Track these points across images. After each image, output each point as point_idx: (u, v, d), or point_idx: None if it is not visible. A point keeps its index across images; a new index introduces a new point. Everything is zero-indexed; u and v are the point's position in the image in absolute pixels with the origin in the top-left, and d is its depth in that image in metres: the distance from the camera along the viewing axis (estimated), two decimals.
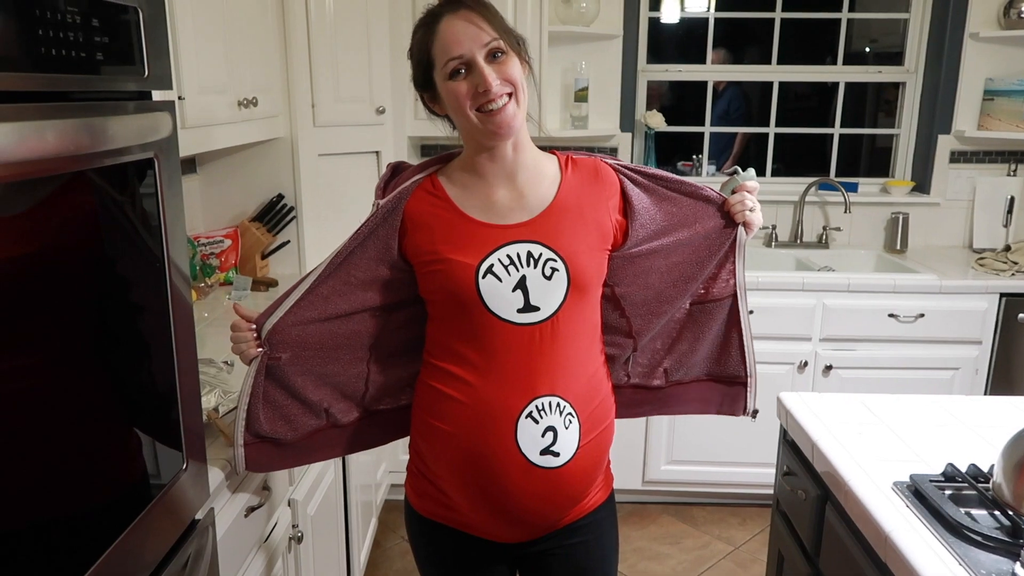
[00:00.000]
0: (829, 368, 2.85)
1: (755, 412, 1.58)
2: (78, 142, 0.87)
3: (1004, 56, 3.21)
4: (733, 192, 1.42)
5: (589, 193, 1.34)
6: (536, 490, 1.27)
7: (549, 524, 1.34)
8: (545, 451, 1.26)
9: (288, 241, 2.77)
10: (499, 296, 1.25)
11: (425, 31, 1.27)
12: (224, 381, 1.60)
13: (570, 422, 1.28)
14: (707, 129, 3.52)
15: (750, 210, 1.41)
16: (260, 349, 1.33)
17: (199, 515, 1.22)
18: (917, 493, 1.30)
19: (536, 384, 1.26)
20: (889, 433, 1.55)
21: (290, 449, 1.41)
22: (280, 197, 2.73)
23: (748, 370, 1.57)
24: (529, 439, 1.25)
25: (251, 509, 1.48)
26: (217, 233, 2.60)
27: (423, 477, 1.37)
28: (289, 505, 1.74)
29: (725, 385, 1.58)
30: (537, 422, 1.25)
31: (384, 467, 2.90)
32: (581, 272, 1.29)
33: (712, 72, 3.44)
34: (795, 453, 1.64)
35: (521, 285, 1.25)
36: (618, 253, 1.37)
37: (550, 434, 1.26)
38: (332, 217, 2.89)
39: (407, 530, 1.45)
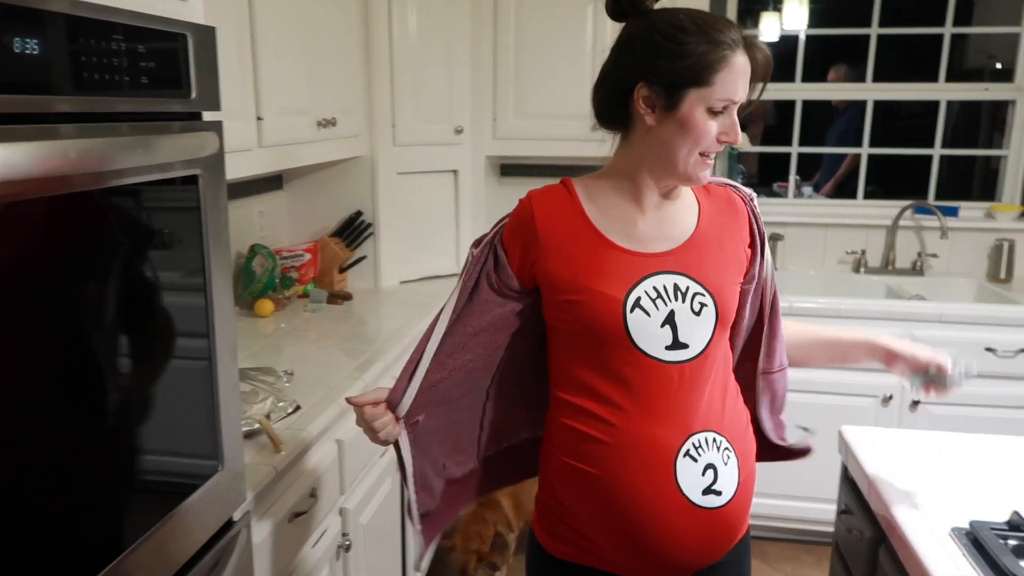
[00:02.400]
0: (916, 403, 2.68)
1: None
2: (127, 158, 0.94)
3: None
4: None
5: (727, 223, 1.28)
6: (699, 532, 1.19)
7: (702, 564, 1.25)
8: (707, 491, 1.18)
9: (364, 256, 2.86)
10: (647, 332, 1.17)
11: (719, 48, 1.13)
12: (279, 390, 1.67)
13: (728, 457, 1.21)
14: (795, 149, 3.40)
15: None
16: (400, 428, 1.26)
17: (235, 516, 1.27)
18: (976, 542, 1.20)
19: (691, 421, 1.18)
20: (956, 475, 1.45)
21: (434, 518, 1.38)
22: (359, 213, 2.83)
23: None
24: (690, 479, 1.17)
25: (295, 515, 1.52)
26: (298, 247, 2.71)
27: (560, 521, 1.27)
28: (340, 514, 1.79)
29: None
30: (696, 460, 1.18)
31: None
32: (728, 307, 1.23)
33: (802, 91, 3.33)
34: (853, 490, 1.56)
35: (670, 320, 1.18)
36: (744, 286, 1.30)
37: (711, 472, 1.18)
38: (408, 234, 2.97)
39: (530, 570, 1.36)
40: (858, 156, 3.44)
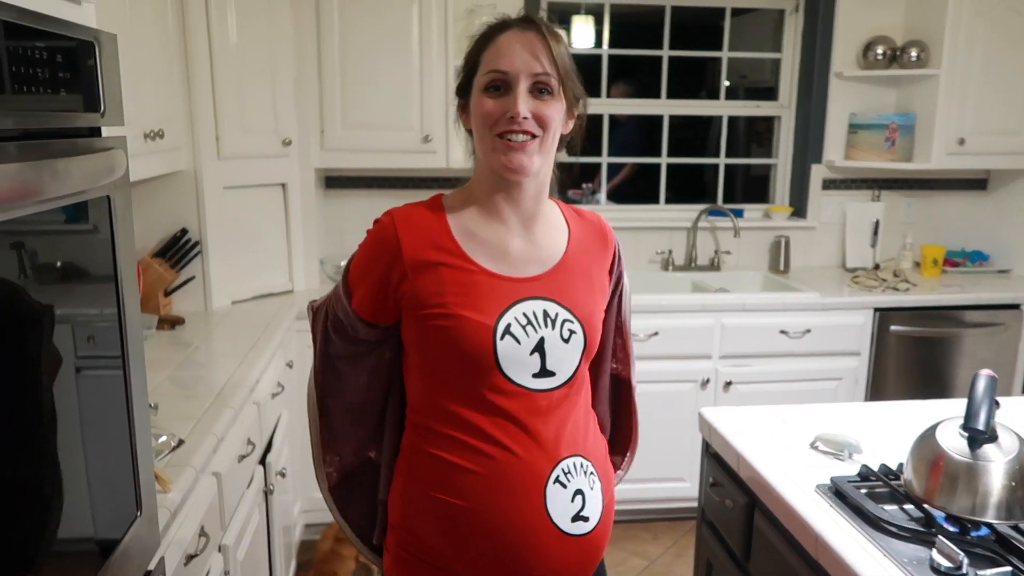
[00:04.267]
0: (729, 384, 3.02)
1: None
2: (39, 185, 0.84)
3: (864, 93, 3.54)
4: None
5: (595, 250, 1.30)
6: (569, 560, 1.18)
7: None
8: (576, 517, 1.17)
9: (193, 277, 2.68)
10: (516, 360, 1.14)
11: (484, 36, 1.18)
12: (154, 424, 1.54)
13: (594, 483, 1.21)
14: (604, 160, 3.68)
15: None
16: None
17: (151, 565, 1.17)
18: (838, 493, 1.41)
19: (559, 447, 1.17)
20: (803, 440, 1.67)
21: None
22: (184, 232, 2.64)
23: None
24: (559, 507, 1.16)
25: (190, 558, 1.42)
26: None
27: (419, 559, 1.20)
28: (220, 551, 1.68)
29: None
30: (565, 487, 1.16)
31: (299, 506, 2.83)
32: (595, 334, 1.23)
33: (609, 105, 3.61)
34: (720, 465, 1.74)
35: (539, 348, 1.15)
36: None
37: (579, 498, 1.17)
38: (237, 251, 2.82)
39: None
40: (635, 165, 3.83)
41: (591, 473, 1.21)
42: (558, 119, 1.18)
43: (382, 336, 1.24)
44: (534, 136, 1.15)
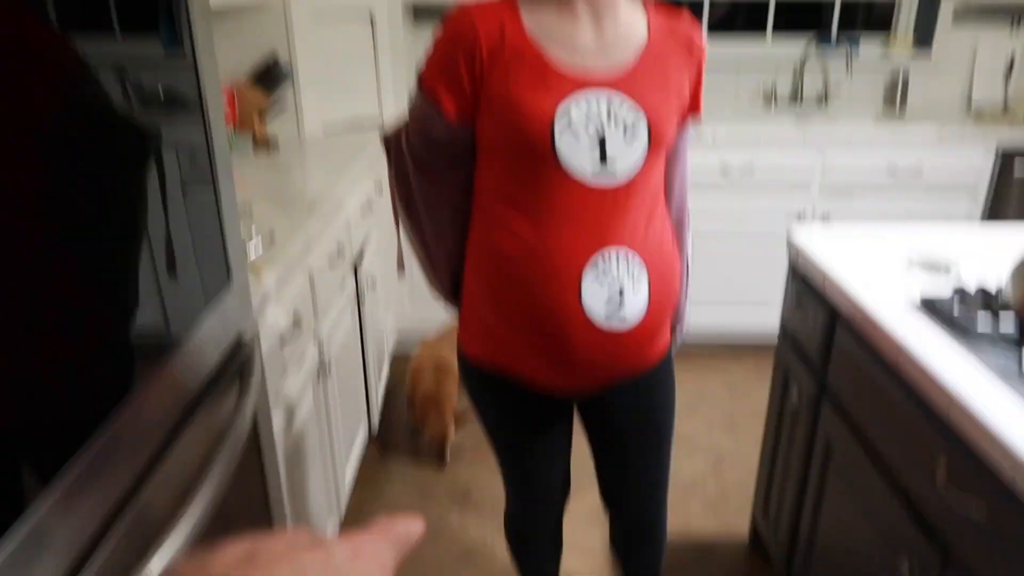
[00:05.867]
0: (826, 218, 2.90)
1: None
2: None
3: None
4: None
5: (676, 55, 1.24)
6: (602, 349, 1.21)
7: (614, 379, 1.30)
8: (612, 316, 1.19)
9: (286, 103, 2.72)
10: (574, 148, 1.14)
11: None
12: (247, 219, 1.61)
13: (640, 278, 1.20)
14: None
15: None
16: None
17: (245, 335, 1.25)
18: (928, 305, 1.36)
19: (604, 238, 1.17)
20: (898, 259, 1.60)
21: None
22: (276, 59, 2.66)
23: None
24: (595, 300, 1.18)
25: (284, 338, 1.52)
26: None
27: (480, 328, 1.29)
28: (315, 341, 1.79)
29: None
30: (604, 281, 1.18)
31: (392, 320, 2.97)
32: (662, 133, 1.19)
33: None
34: (805, 284, 1.70)
35: (600, 142, 1.15)
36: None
37: (617, 297, 1.19)
38: (328, 80, 2.83)
39: (463, 380, 1.41)
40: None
41: (639, 266, 1.20)
42: None
43: (459, 138, 1.22)
44: None
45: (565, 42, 1.17)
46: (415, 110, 1.23)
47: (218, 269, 1.16)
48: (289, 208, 1.91)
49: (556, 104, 1.13)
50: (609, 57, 1.19)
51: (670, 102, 1.22)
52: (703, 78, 1.30)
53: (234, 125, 2.62)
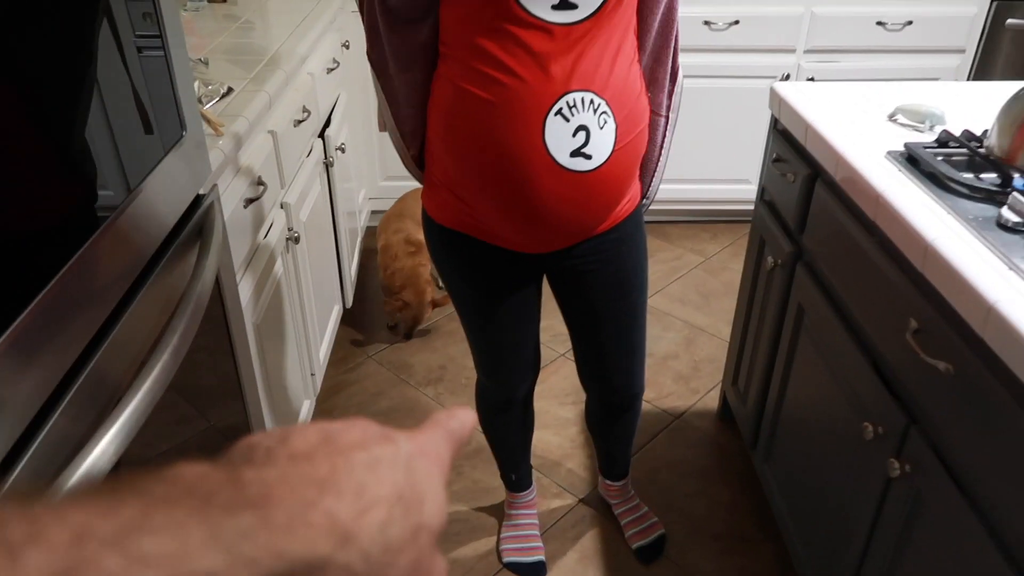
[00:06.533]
0: (811, 80, 2.81)
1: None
2: None
3: None
4: None
5: None
6: (566, 194, 1.18)
7: (580, 232, 1.27)
8: (576, 152, 1.15)
9: None
10: None
11: None
12: (203, 73, 1.52)
13: (605, 122, 1.16)
14: None
15: None
16: None
17: (203, 189, 1.20)
18: (911, 159, 1.33)
19: (570, 80, 1.12)
20: (882, 113, 1.55)
21: None
22: None
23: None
24: (558, 139, 1.14)
25: (248, 201, 1.47)
26: None
27: (443, 187, 1.27)
28: (282, 207, 1.74)
29: None
30: (568, 120, 1.13)
31: (364, 193, 2.91)
32: None
33: None
34: (786, 140, 1.65)
35: None
36: None
37: (582, 134, 1.15)
38: None
39: (428, 244, 1.39)
40: None
41: (603, 112, 1.16)
42: None
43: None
44: None
45: None
46: None
47: (171, 123, 1.09)
48: (246, 64, 1.81)
49: None
50: None
51: None
52: None
53: None
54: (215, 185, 1.26)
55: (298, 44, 1.98)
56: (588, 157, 1.17)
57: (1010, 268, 1.02)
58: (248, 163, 1.49)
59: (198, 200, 1.18)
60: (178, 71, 1.11)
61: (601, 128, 1.17)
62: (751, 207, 1.93)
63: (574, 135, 1.15)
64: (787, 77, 2.81)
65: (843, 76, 2.81)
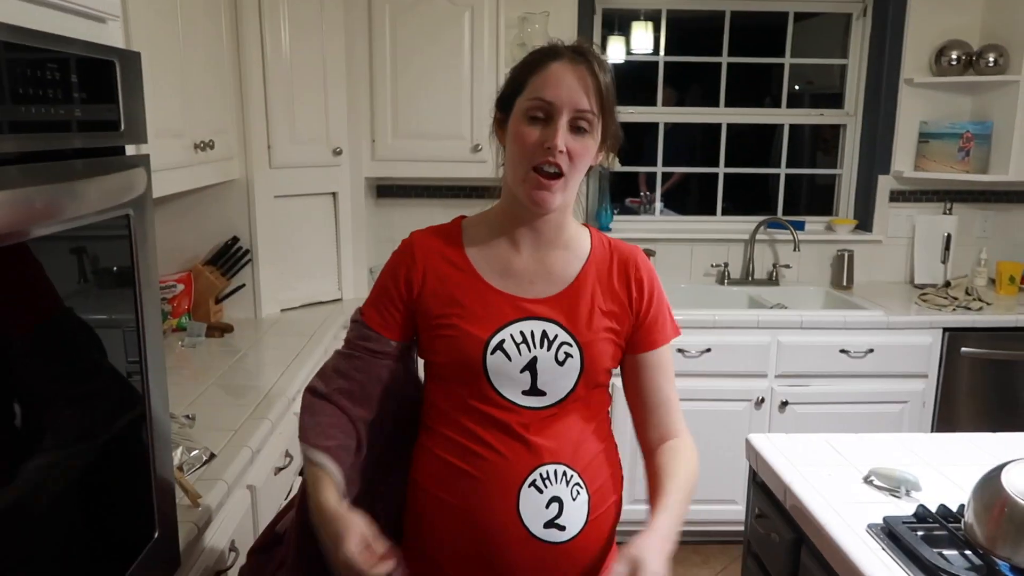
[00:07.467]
0: (785, 404, 2.90)
1: None
2: (58, 207, 0.83)
3: (936, 100, 3.37)
4: None
5: (617, 280, 1.26)
6: (538, 566, 1.18)
7: None
8: (550, 524, 1.17)
9: (243, 285, 2.71)
10: (506, 375, 1.17)
11: (537, 59, 1.19)
12: (188, 436, 1.54)
13: (578, 493, 1.19)
14: (659, 169, 3.59)
15: None
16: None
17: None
18: (891, 535, 1.32)
19: (542, 452, 1.17)
20: (857, 474, 1.58)
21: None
22: (235, 240, 2.68)
23: None
24: (532, 510, 1.16)
25: (217, 574, 1.41)
26: (169, 278, 2.52)
27: (420, 557, 1.22)
28: None
29: None
30: (542, 491, 1.16)
31: None
32: (595, 361, 1.21)
33: (664, 114, 3.52)
34: (766, 495, 1.66)
35: (531, 367, 1.18)
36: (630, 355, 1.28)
37: (555, 505, 1.17)
38: (287, 259, 2.84)
39: None
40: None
41: (576, 484, 1.19)
42: (589, 157, 1.19)
43: (390, 353, 1.25)
44: (561, 175, 1.16)
45: (503, 267, 1.24)
46: (350, 332, 1.29)
47: (143, 516, 1.08)
48: (241, 407, 1.85)
49: (492, 330, 1.18)
50: (548, 284, 1.23)
51: (604, 328, 1.23)
52: (661, 301, 1.30)
53: (189, 310, 2.60)
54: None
55: (289, 383, 2.05)
56: (562, 528, 1.18)
57: None
58: (223, 530, 1.46)
59: None
60: (159, 463, 1.13)
61: (574, 499, 1.19)
62: (740, 527, 1.88)
63: (547, 506, 1.17)
64: (761, 400, 2.90)
65: (815, 399, 2.91)
